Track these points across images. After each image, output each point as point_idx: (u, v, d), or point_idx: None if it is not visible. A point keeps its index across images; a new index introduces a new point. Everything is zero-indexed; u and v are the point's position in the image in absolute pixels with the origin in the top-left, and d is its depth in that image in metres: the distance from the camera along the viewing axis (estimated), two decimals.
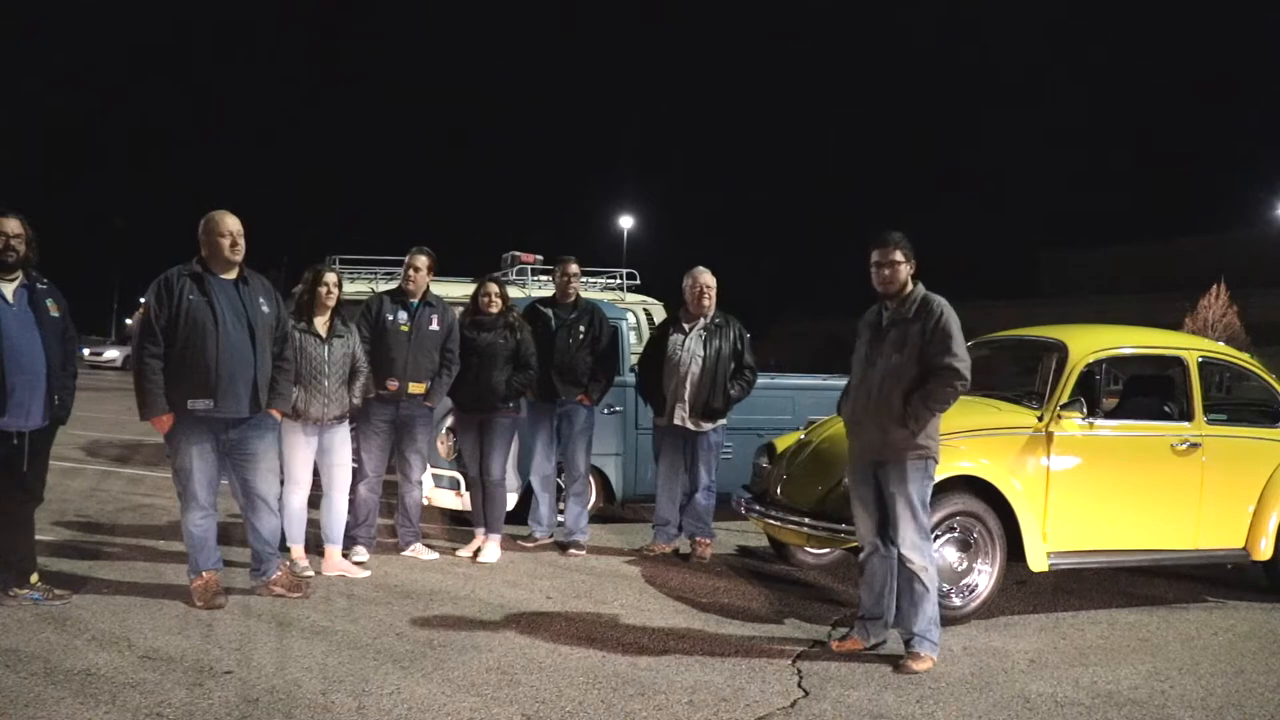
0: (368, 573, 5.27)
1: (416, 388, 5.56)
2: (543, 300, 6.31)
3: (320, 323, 5.17)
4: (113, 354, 33.50)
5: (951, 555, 4.77)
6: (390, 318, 5.57)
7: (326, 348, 5.12)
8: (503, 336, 5.72)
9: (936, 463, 4.15)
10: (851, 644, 4.27)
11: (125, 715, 3.25)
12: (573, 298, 6.14)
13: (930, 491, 4.16)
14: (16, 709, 3.26)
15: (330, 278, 5.21)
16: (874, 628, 4.28)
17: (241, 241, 4.56)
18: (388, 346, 5.52)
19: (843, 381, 8.01)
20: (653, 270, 10.80)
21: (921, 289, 4.19)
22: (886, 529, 4.21)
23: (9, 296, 4.35)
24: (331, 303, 5.19)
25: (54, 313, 4.49)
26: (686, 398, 5.92)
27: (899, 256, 4.14)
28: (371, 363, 5.47)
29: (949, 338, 4.00)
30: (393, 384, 5.49)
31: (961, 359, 3.99)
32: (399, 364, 5.52)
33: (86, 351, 32.44)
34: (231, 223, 4.54)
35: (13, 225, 4.33)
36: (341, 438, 5.27)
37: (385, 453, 5.65)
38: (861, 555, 4.34)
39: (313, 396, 5.05)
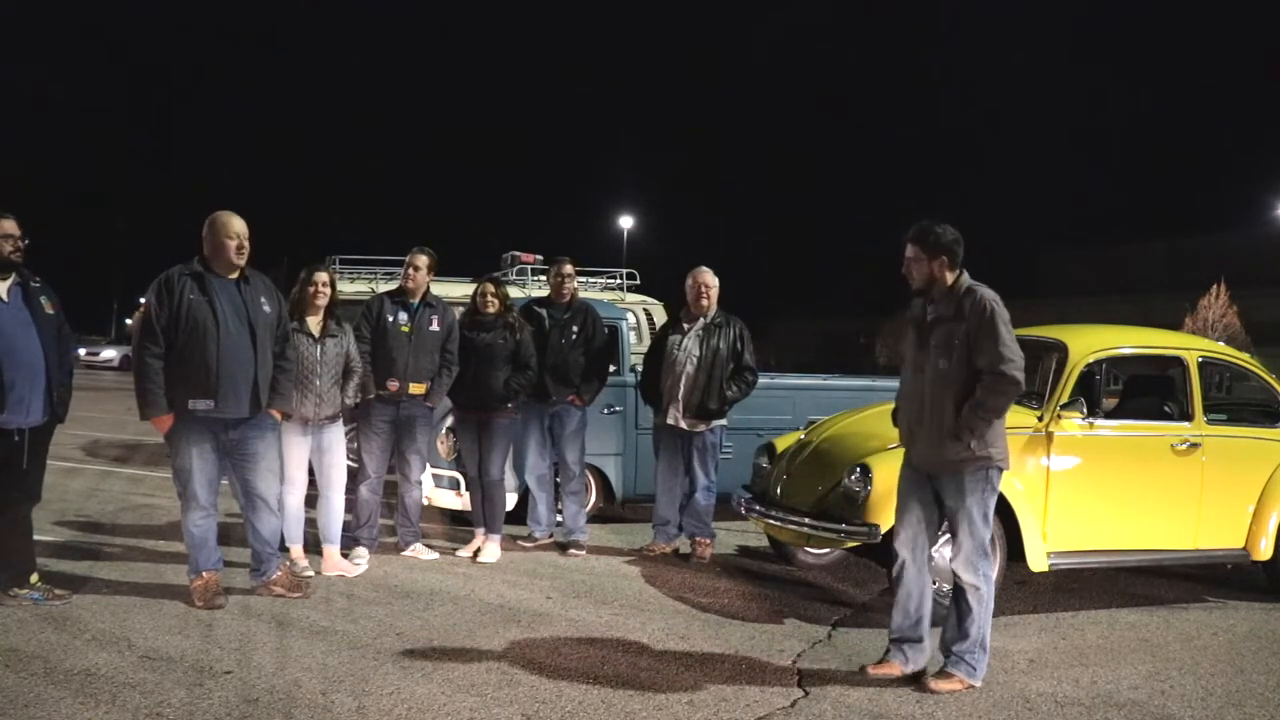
0: (365, 568, 5.28)
1: (417, 388, 5.56)
2: (538, 300, 6.31)
3: (313, 322, 5.16)
4: (110, 354, 33.45)
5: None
6: (391, 318, 5.57)
7: (319, 347, 5.12)
8: (502, 337, 5.72)
9: (1003, 470, 3.84)
10: (889, 668, 3.88)
11: (125, 715, 3.25)
12: (568, 298, 6.14)
13: (993, 502, 3.83)
14: (16, 709, 3.26)
15: (321, 277, 5.19)
16: (913, 652, 3.89)
17: (247, 245, 4.55)
18: (389, 347, 5.52)
19: (843, 381, 8.09)
20: (653, 270, 10.83)
21: (966, 282, 3.83)
22: (924, 542, 3.91)
23: (4, 295, 4.35)
24: (322, 302, 5.17)
25: (49, 310, 4.49)
26: (680, 397, 5.92)
27: (909, 253, 3.86)
28: (372, 363, 5.47)
29: (994, 335, 3.65)
30: (393, 384, 5.49)
31: (1010, 359, 3.63)
32: (400, 364, 5.51)
33: (83, 351, 32.39)
34: (238, 225, 4.53)
35: (11, 225, 4.34)
36: (337, 438, 5.27)
37: (386, 453, 5.65)
38: (894, 569, 3.99)
39: (304, 396, 5.04)
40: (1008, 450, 3.85)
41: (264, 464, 4.66)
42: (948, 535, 4.59)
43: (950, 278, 3.85)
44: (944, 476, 3.82)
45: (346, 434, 5.44)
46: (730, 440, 6.38)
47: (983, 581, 3.80)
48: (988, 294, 3.76)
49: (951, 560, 3.86)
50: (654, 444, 6.22)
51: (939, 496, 3.88)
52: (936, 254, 3.83)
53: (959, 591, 3.84)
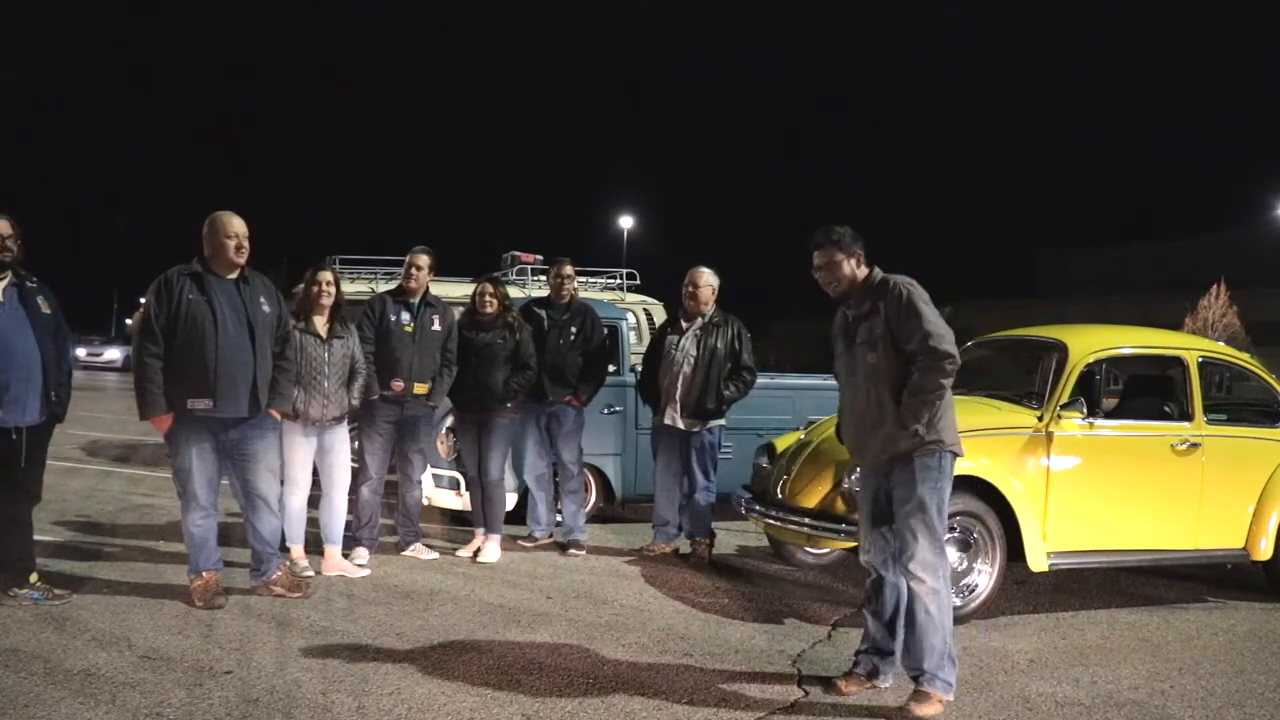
0: (367, 572, 5.27)
1: (421, 388, 5.57)
2: (537, 300, 6.32)
3: (320, 323, 5.16)
4: (114, 354, 33.11)
5: (951, 555, 4.75)
6: (393, 318, 5.58)
7: (327, 349, 5.12)
8: (501, 337, 5.72)
9: (956, 455, 3.61)
10: (860, 683, 3.74)
11: (125, 715, 3.25)
12: (567, 298, 6.14)
13: (948, 493, 3.59)
14: (16, 709, 3.26)
15: (325, 276, 5.19)
16: (885, 664, 3.74)
17: (247, 244, 4.56)
18: (392, 347, 5.52)
19: None
20: (653, 270, 10.84)
21: (879, 274, 3.68)
22: (892, 549, 3.73)
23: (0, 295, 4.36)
24: (327, 302, 5.17)
25: (45, 310, 4.50)
26: (677, 397, 5.91)
27: (838, 256, 3.67)
28: (376, 363, 5.47)
29: (916, 315, 3.48)
30: (398, 384, 5.49)
31: (939, 335, 3.45)
32: (404, 364, 5.52)
33: (84, 352, 32.20)
34: (237, 225, 4.54)
35: (4, 227, 4.34)
36: (340, 438, 5.27)
37: (388, 454, 5.65)
38: (868, 582, 3.83)
39: (312, 397, 5.04)
40: (959, 436, 3.64)
41: (264, 464, 4.66)
42: (946, 536, 4.30)
43: (864, 273, 3.70)
44: (896, 469, 3.58)
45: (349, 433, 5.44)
46: (730, 440, 6.38)
47: (942, 584, 3.54)
48: (901, 279, 3.62)
49: (905, 561, 3.54)
50: (652, 444, 6.22)
51: (890, 494, 3.65)
52: (851, 251, 3.67)
53: (916, 599, 3.54)
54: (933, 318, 3.50)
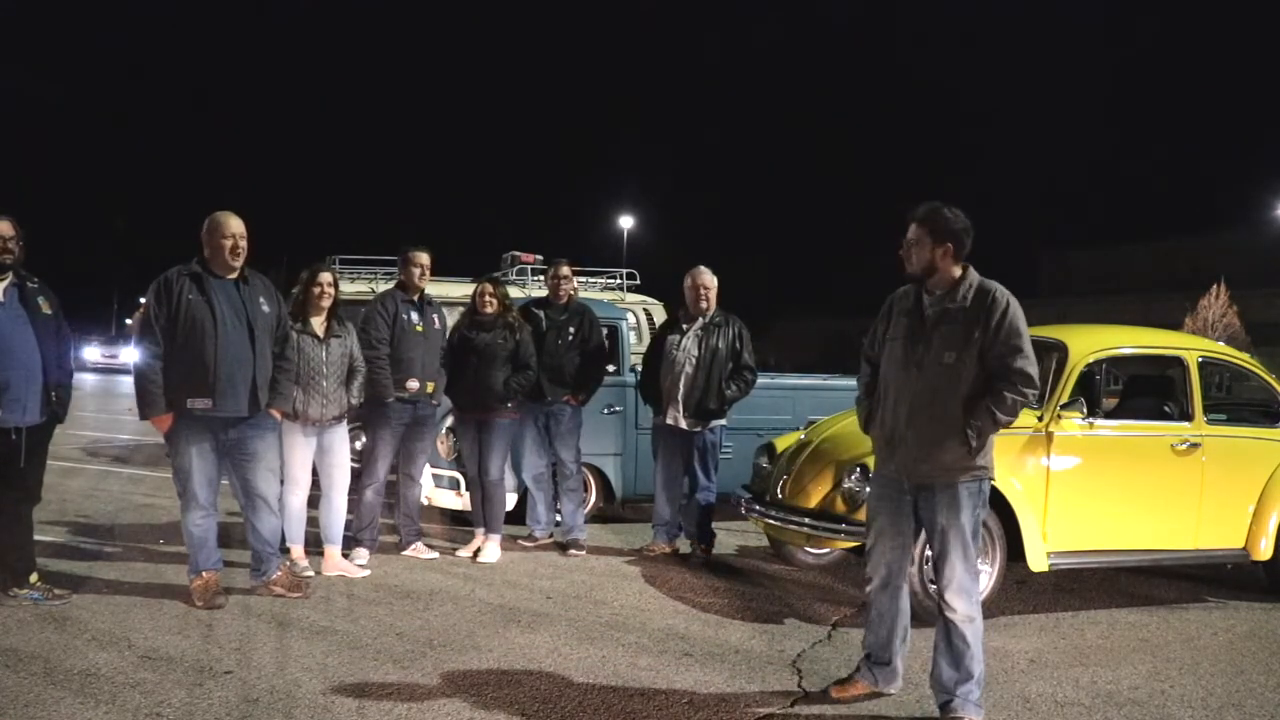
0: (367, 572, 5.27)
1: (430, 386, 5.59)
2: (536, 301, 6.32)
3: (317, 323, 5.16)
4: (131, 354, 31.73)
5: None
6: (405, 318, 5.59)
7: (324, 348, 5.12)
8: (501, 337, 5.72)
9: (990, 483, 3.57)
10: (857, 689, 3.68)
11: (125, 715, 3.25)
12: (565, 299, 6.14)
13: (981, 519, 3.55)
14: (16, 709, 3.26)
15: (325, 277, 5.20)
16: (883, 674, 3.69)
17: (243, 244, 4.56)
18: (406, 347, 5.53)
19: (843, 381, 8.05)
20: (653, 270, 10.85)
21: (975, 275, 3.53)
22: (901, 563, 3.65)
23: (0, 295, 4.36)
24: (326, 303, 5.17)
25: (46, 310, 4.50)
26: (679, 397, 5.92)
27: (912, 234, 3.52)
28: (389, 364, 5.47)
29: (1019, 336, 3.38)
30: (413, 384, 5.50)
31: (1034, 363, 3.39)
32: (417, 364, 5.53)
33: (99, 354, 31.49)
34: (235, 225, 4.54)
35: (6, 228, 4.34)
36: (340, 438, 5.27)
37: (393, 455, 5.65)
38: (869, 589, 3.72)
39: (311, 397, 5.04)
40: (993, 463, 3.58)
41: (263, 464, 4.67)
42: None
43: (956, 270, 3.52)
44: (936, 489, 3.47)
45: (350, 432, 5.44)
46: (730, 440, 6.38)
47: (976, 611, 3.48)
48: (1003, 290, 3.49)
49: (944, 590, 3.47)
50: (652, 444, 6.22)
51: (919, 513, 3.56)
52: (942, 240, 3.49)
53: (951, 626, 3.46)
54: (1029, 341, 3.44)
